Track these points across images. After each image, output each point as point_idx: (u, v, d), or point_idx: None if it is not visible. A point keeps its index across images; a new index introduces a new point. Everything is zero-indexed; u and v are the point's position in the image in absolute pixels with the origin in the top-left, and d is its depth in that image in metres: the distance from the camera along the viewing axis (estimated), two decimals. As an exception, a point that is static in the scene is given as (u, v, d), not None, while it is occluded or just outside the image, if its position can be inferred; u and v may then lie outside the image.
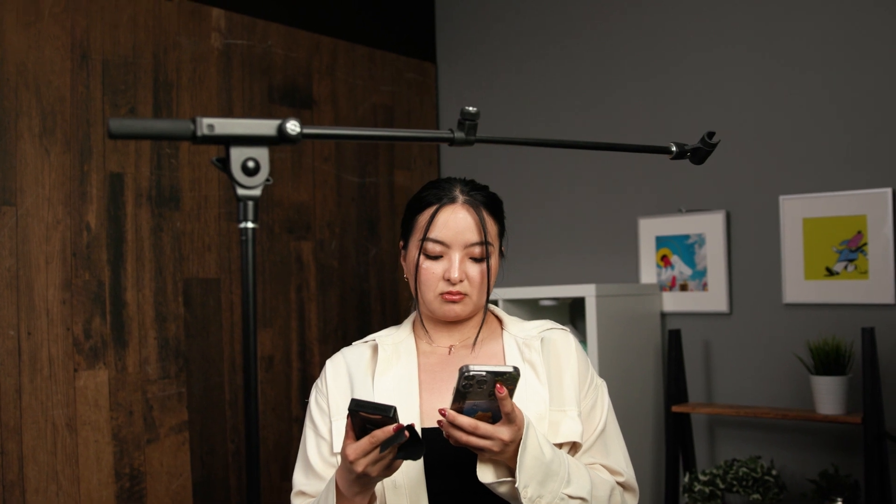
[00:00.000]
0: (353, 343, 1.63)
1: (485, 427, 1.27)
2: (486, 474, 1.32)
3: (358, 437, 1.27)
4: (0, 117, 2.26)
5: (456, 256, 1.50)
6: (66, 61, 2.40)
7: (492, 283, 1.54)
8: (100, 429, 2.40)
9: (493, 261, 1.54)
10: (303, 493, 1.50)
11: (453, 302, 1.51)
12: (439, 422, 1.30)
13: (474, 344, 1.58)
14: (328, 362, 1.59)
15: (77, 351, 2.37)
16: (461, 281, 1.50)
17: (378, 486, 1.40)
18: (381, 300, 3.29)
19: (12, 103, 2.29)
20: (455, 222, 1.51)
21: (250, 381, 0.84)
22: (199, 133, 0.86)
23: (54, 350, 2.32)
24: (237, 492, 2.73)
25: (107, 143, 2.47)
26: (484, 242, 1.51)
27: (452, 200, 1.52)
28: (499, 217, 1.59)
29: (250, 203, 0.86)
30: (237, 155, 0.87)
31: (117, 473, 2.43)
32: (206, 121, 0.87)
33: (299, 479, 1.52)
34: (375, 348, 1.57)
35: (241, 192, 0.86)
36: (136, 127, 0.86)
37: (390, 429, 1.23)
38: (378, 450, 1.25)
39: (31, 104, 2.32)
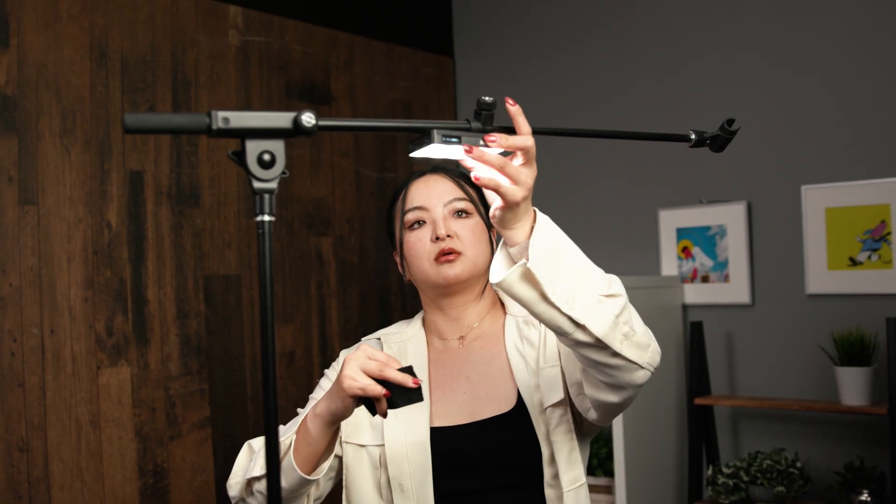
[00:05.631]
0: (363, 339, 1.58)
1: (513, 165, 1.11)
2: (499, 270, 1.17)
3: None
4: (21, 118, 2.28)
5: (438, 213, 1.43)
6: (85, 61, 2.42)
7: (485, 245, 1.44)
8: (123, 426, 2.41)
9: (481, 221, 1.45)
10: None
11: (449, 262, 1.40)
12: (462, 160, 1.10)
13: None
14: (343, 352, 1.52)
15: (100, 348, 2.39)
16: (449, 236, 1.41)
17: (385, 490, 1.37)
18: (401, 296, 3.29)
19: (33, 104, 2.31)
20: (427, 186, 1.46)
21: (269, 373, 0.84)
22: (214, 126, 0.87)
23: (77, 348, 2.34)
24: (260, 487, 2.74)
25: (126, 141, 2.49)
26: (465, 198, 1.44)
27: (422, 174, 1.49)
28: (476, 188, 1.47)
29: (266, 196, 0.86)
30: (253, 148, 0.88)
31: (141, 470, 2.44)
32: (222, 114, 0.87)
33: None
34: (381, 347, 1.52)
35: (257, 184, 0.86)
36: (152, 121, 0.86)
37: (404, 373, 1.18)
38: (377, 361, 1.18)
39: (51, 104, 2.34)
